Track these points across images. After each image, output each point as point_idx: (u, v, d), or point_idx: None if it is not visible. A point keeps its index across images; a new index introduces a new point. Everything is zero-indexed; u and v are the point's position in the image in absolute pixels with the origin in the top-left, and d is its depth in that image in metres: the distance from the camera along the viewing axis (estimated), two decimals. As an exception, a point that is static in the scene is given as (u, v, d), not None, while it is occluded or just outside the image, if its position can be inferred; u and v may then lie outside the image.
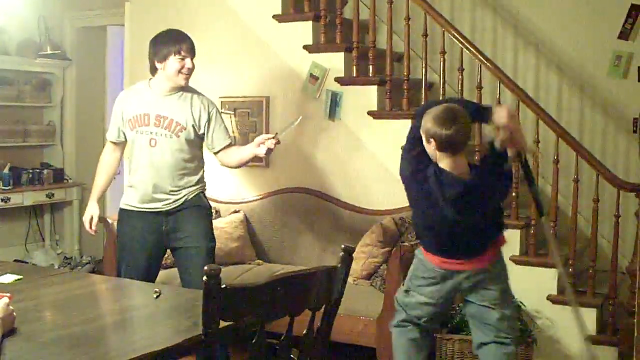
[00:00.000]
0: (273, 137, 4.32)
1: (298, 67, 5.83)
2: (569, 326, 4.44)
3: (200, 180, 4.44)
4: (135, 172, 4.38)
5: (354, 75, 5.65)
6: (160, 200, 4.32)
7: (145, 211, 4.34)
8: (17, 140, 7.60)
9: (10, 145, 7.53)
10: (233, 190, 6.14)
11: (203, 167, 4.48)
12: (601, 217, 4.97)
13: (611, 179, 4.93)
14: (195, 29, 6.19)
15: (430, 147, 3.57)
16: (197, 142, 4.38)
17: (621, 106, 5.68)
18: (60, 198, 7.82)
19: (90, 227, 4.54)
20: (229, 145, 4.46)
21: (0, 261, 4.28)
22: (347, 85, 5.65)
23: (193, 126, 4.30)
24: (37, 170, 7.62)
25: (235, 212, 5.94)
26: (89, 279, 3.78)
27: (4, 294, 2.70)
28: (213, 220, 5.66)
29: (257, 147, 4.33)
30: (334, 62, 5.69)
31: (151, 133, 4.27)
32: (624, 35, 5.61)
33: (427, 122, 3.53)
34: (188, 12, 6.28)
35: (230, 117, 6.09)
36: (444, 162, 3.56)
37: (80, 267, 7.66)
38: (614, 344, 4.68)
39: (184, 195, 4.34)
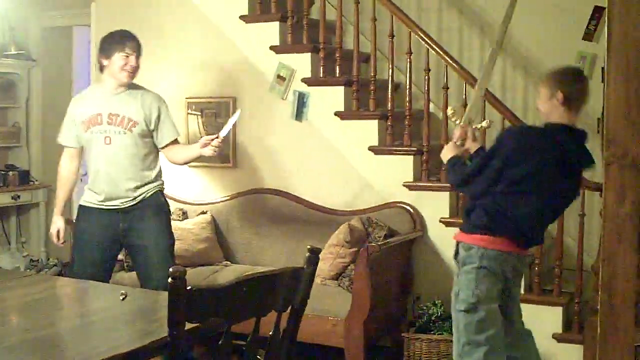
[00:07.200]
0: (216, 137, 4.37)
1: (265, 67, 5.82)
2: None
3: (158, 176, 4.52)
4: (93, 172, 4.44)
5: (321, 76, 5.66)
6: (118, 198, 4.39)
7: (103, 208, 4.41)
8: (-19, 142, 7.52)
9: (-25, 147, 7.44)
10: (200, 191, 6.12)
11: (158, 162, 4.55)
12: (566, 216, 5.00)
13: (576, 179, 4.96)
14: (161, 29, 6.20)
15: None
16: (150, 137, 4.46)
17: (586, 106, 5.71)
18: (26, 200, 7.72)
19: (58, 240, 4.61)
20: (176, 141, 4.55)
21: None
22: (314, 85, 5.66)
23: (145, 121, 4.39)
24: (2, 172, 7.51)
25: (203, 213, 5.91)
26: (55, 282, 3.75)
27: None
28: (180, 222, 5.69)
29: (203, 147, 4.40)
30: (301, 62, 5.70)
31: (105, 132, 4.36)
32: (588, 36, 5.66)
33: None
34: (154, 12, 6.25)
35: (197, 118, 6.08)
36: None
37: (46, 270, 7.58)
38: (579, 342, 4.72)
39: (143, 193, 4.42)
